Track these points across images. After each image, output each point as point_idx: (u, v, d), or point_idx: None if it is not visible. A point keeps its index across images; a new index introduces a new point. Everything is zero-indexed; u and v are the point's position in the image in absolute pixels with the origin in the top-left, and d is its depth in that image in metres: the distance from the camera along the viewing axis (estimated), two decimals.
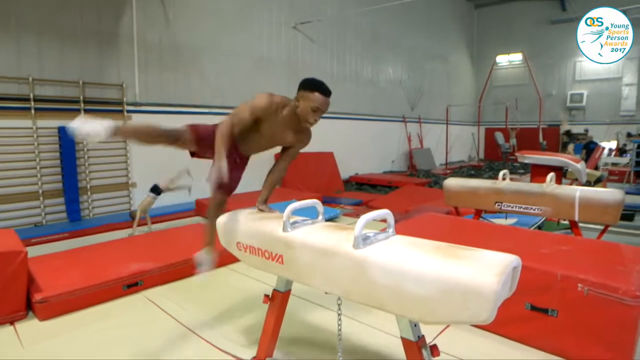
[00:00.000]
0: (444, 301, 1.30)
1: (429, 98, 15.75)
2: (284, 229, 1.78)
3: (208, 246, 2.40)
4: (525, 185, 3.96)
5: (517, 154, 6.56)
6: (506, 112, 16.37)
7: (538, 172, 6.23)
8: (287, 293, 2.06)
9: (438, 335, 2.62)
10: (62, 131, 6.29)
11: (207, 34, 8.26)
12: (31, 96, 5.99)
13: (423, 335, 1.58)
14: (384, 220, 1.68)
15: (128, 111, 7.09)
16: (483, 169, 15.04)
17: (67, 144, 6.35)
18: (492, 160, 17.50)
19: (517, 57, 18.67)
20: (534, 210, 3.65)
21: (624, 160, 12.58)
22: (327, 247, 1.59)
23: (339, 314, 1.88)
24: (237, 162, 2.37)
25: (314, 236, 1.69)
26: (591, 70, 16.81)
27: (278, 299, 2.05)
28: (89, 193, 6.69)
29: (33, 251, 4.72)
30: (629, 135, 15.23)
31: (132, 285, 3.48)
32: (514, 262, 1.32)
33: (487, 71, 18.96)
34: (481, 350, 2.50)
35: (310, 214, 1.97)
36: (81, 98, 6.48)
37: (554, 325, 2.40)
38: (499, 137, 14.88)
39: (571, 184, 7.14)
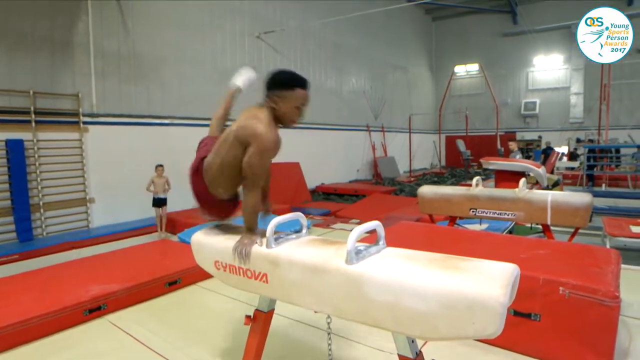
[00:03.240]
0: (447, 316, 1.23)
1: (391, 107, 16.05)
2: (268, 246, 1.67)
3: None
4: (498, 191, 4.02)
5: (481, 160, 6.73)
6: (466, 120, 16.94)
7: (502, 177, 6.41)
8: (270, 313, 1.93)
9: (422, 346, 2.56)
10: (10, 144, 5.84)
11: (168, 44, 8.00)
12: None
13: (421, 351, 1.51)
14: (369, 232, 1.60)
15: (84, 122, 6.70)
16: (445, 176, 15.42)
17: (16, 158, 5.89)
18: (454, 167, 18.02)
19: (474, 68, 19.44)
20: (508, 215, 3.71)
21: (576, 164, 13.30)
22: (317, 263, 1.49)
23: (328, 333, 1.78)
24: None
25: (301, 252, 1.58)
26: (542, 80, 17.79)
27: (261, 320, 1.91)
28: (41, 210, 6.24)
29: None
30: (578, 140, 16.14)
31: (95, 310, 3.21)
32: (515, 272, 1.28)
33: (446, 81, 19.62)
34: (465, 359, 2.47)
35: (285, 226, 1.86)
36: (32, 109, 6.06)
37: (538, 329, 2.40)
38: (461, 145, 15.35)
39: (532, 188, 7.41)
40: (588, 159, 10.50)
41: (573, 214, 3.43)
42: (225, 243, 1.85)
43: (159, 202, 6.30)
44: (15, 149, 5.90)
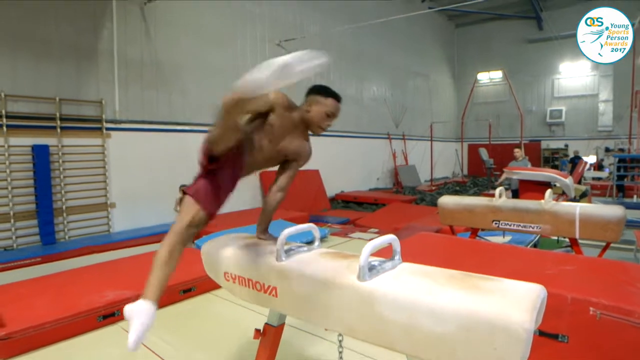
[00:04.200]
0: (466, 340, 1.13)
1: (412, 115, 15.87)
2: (278, 258, 1.60)
3: (148, 298, 1.64)
4: (523, 202, 3.86)
5: (505, 169, 6.53)
6: (489, 128, 16.59)
7: (527, 187, 6.20)
8: (280, 327, 1.86)
9: None
10: (36, 149, 6.00)
11: (189, 51, 8.11)
12: (3, 113, 5.70)
13: None
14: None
15: (107, 129, 6.83)
16: (467, 185, 15.10)
17: (41, 163, 6.04)
18: (476, 176, 17.65)
19: (497, 75, 19.07)
20: (533, 228, 3.54)
21: (605, 174, 12.81)
22: (327, 278, 1.42)
23: (340, 352, 1.69)
24: (233, 174, 1.79)
25: (312, 266, 1.51)
26: (569, 87, 17.28)
27: (270, 334, 1.84)
28: (64, 214, 6.36)
29: (1, 278, 4.44)
30: (607, 150, 15.57)
31: (109, 316, 3.21)
32: (542, 294, 1.18)
33: (469, 88, 19.30)
34: None
35: (298, 237, 1.80)
36: (57, 115, 6.21)
37: (565, 351, 2.25)
38: (483, 153, 15.02)
39: (558, 199, 7.14)
40: (618, 168, 10.09)
41: (604, 228, 3.24)
42: (235, 254, 1.79)
43: None
44: (41, 154, 6.05)
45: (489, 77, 19.46)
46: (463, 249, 3.17)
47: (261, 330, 1.87)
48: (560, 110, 17.39)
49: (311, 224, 1.75)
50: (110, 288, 3.48)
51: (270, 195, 1.92)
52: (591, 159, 14.74)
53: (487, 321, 1.08)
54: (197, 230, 1.70)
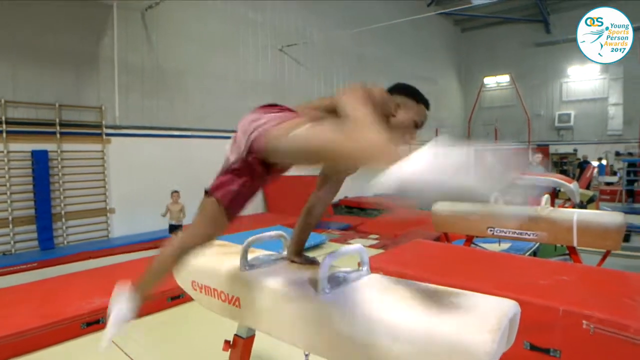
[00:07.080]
0: None
1: None
2: (241, 267, 1.53)
3: (138, 287, 1.55)
4: (518, 209, 3.73)
5: None
6: (495, 132, 16.38)
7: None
8: (250, 339, 1.78)
9: None
10: (36, 155, 6.02)
11: (191, 57, 8.11)
12: (3, 119, 5.74)
13: None
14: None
15: (107, 134, 6.84)
16: None
17: (41, 168, 6.06)
18: None
19: (504, 79, 18.84)
20: (529, 235, 3.42)
21: (615, 179, 12.54)
22: (288, 290, 1.34)
23: None
24: (262, 184, 1.45)
25: (274, 276, 1.43)
26: (577, 90, 17.00)
27: (240, 346, 1.77)
28: (63, 219, 6.37)
29: None
30: (617, 154, 15.26)
31: (93, 324, 3.15)
32: (511, 311, 1.08)
33: (475, 93, 19.08)
34: None
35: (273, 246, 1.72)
36: (57, 121, 6.24)
37: None
38: None
39: (563, 205, 6.96)
40: (628, 173, 9.86)
41: (603, 236, 3.11)
42: (202, 260, 1.71)
43: (174, 229, 6.07)
44: (40, 159, 6.08)
45: (496, 82, 19.24)
46: (455, 257, 3.06)
47: (231, 342, 1.79)
48: (569, 114, 17.10)
49: (279, 231, 1.68)
50: (98, 295, 3.42)
51: (316, 209, 1.65)
52: (602, 164, 14.44)
53: (444, 342, 0.99)
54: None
